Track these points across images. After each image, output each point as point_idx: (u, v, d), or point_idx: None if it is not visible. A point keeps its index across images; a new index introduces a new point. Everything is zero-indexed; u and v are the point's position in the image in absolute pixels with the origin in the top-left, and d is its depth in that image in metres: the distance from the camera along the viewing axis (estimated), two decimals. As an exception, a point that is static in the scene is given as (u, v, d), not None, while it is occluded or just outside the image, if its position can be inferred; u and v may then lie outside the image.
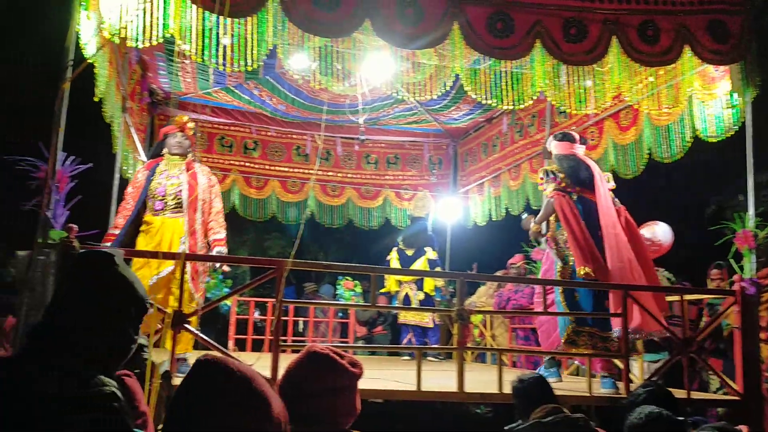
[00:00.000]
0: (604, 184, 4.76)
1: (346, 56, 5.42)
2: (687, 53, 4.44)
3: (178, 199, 4.77)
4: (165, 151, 5.01)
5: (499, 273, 7.81)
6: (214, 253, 4.76)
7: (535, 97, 4.86)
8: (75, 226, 3.63)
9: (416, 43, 4.23)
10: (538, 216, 5.04)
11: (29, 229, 3.54)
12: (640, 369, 5.29)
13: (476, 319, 7.48)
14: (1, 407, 1.41)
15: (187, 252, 4.46)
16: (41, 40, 5.33)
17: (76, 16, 3.75)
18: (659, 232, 5.88)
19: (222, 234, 4.89)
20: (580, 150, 4.97)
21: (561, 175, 4.79)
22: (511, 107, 5.34)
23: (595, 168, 4.88)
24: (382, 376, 4.79)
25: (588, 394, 4.26)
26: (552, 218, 4.90)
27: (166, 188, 4.80)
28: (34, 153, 3.57)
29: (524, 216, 5.35)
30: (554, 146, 5.02)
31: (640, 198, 7.55)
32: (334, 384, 1.73)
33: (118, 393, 1.50)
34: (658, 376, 4.45)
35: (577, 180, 4.79)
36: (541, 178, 4.92)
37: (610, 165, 5.85)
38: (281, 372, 1.85)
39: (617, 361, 4.66)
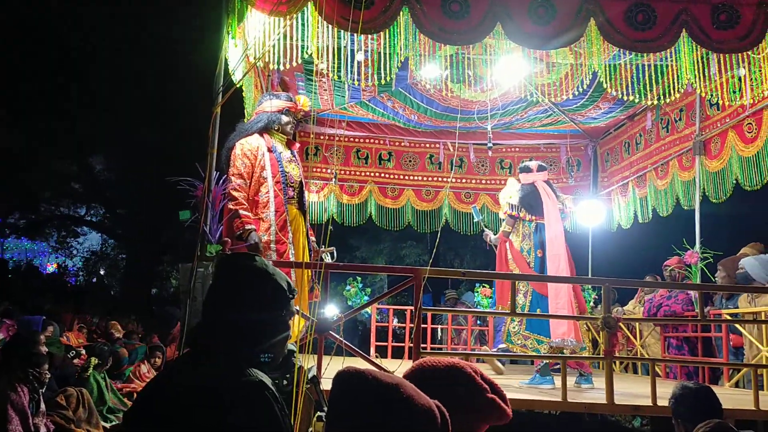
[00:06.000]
0: (553, 210, 5.23)
1: (477, 62, 5.39)
2: None
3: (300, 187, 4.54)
4: (277, 127, 4.58)
5: (648, 277, 7.35)
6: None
7: (682, 90, 4.55)
8: (229, 240, 3.91)
9: (550, 44, 4.12)
10: (496, 236, 5.73)
11: (191, 243, 3.86)
12: None
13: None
14: (163, 404, 1.54)
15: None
16: (198, 69, 5.76)
17: (224, 45, 4.05)
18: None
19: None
20: (538, 177, 5.44)
21: (518, 207, 5.37)
22: (655, 102, 5.07)
23: (548, 194, 5.30)
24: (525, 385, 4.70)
25: (755, 408, 3.93)
26: None
27: (293, 174, 4.54)
28: (192, 173, 3.88)
29: (485, 232, 6.11)
30: (520, 177, 5.58)
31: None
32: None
33: (267, 382, 1.58)
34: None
35: (530, 208, 5.33)
36: (505, 212, 5.52)
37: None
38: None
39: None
